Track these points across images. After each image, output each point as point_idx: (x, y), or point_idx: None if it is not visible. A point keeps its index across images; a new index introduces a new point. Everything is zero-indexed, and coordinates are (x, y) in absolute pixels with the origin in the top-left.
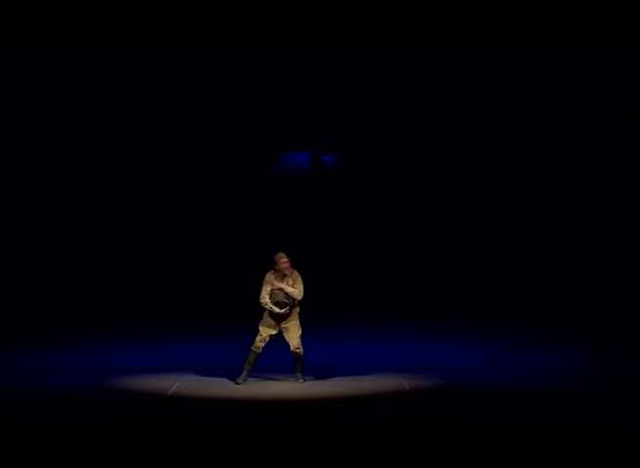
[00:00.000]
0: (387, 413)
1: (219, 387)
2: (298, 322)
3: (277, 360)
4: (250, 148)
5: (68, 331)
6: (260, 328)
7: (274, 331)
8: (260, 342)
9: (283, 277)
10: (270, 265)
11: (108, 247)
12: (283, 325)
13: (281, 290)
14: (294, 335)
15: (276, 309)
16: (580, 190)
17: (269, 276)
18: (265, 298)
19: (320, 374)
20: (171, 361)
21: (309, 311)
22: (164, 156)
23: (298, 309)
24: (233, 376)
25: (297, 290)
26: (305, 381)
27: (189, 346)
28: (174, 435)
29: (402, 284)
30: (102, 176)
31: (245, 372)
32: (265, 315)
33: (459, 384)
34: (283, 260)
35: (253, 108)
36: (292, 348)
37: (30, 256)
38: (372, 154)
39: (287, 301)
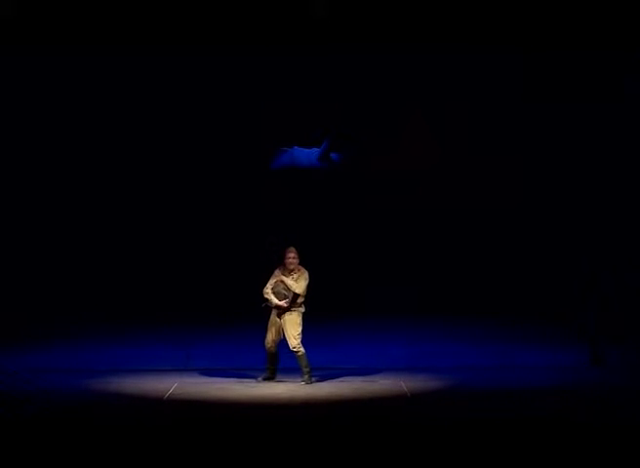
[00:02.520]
0: (386, 415)
1: (217, 389)
2: (297, 320)
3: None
4: (252, 144)
5: (65, 331)
6: (268, 327)
7: (279, 329)
8: (269, 342)
9: (290, 272)
10: (281, 260)
11: (105, 247)
12: (282, 319)
13: (283, 282)
14: (290, 334)
15: (274, 300)
16: (580, 191)
17: (277, 270)
18: (268, 289)
19: (318, 376)
20: (168, 363)
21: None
22: (165, 153)
23: (302, 309)
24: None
25: (296, 283)
26: (307, 383)
27: (187, 348)
28: (172, 437)
29: (401, 284)
30: (101, 176)
31: (267, 372)
32: (272, 312)
33: (457, 385)
34: (288, 255)
35: (254, 106)
36: (290, 348)
37: (25, 255)
38: (373, 153)
39: (285, 293)
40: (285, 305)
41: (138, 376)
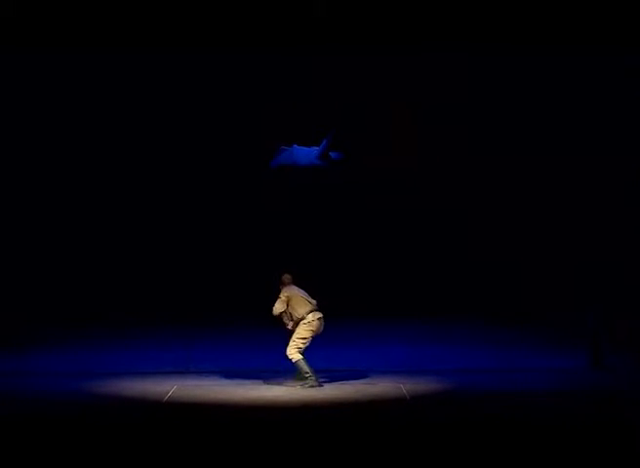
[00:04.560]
0: (385, 417)
1: (216, 391)
2: (299, 331)
3: (279, 363)
4: (252, 143)
5: (65, 334)
6: None
7: None
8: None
9: None
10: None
11: (104, 250)
12: None
13: None
14: (290, 342)
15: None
16: (579, 193)
17: None
18: None
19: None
20: (168, 365)
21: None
22: (164, 154)
23: (305, 320)
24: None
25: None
26: (302, 387)
27: (187, 351)
28: (171, 439)
29: (401, 287)
30: (100, 177)
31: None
32: None
33: (457, 387)
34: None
35: (254, 105)
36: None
37: (24, 259)
38: (371, 152)
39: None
40: (289, 328)
41: (137, 379)
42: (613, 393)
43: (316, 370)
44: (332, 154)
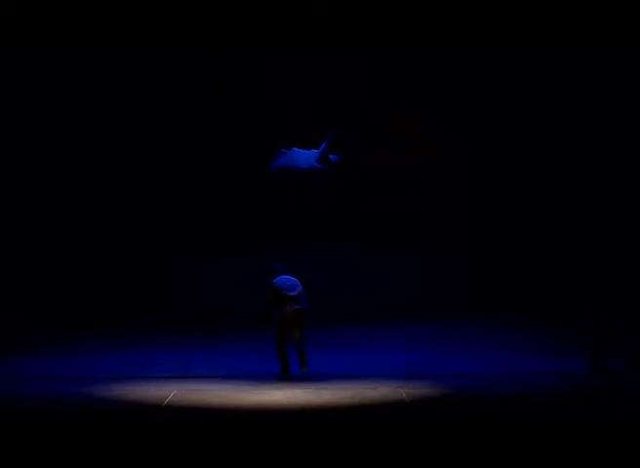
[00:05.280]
0: (383, 420)
1: (216, 396)
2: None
3: (279, 367)
4: (251, 145)
5: (64, 339)
6: None
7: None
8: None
9: None
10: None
11: (104, 253)
12: None
13: None
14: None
15: None
16: (582, 193)
17: None
18: None
19: (317, 382)
20: (167, 370)
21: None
22: (162, 154)
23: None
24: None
25: None
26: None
27: (187, 355)
28: (170, 442)
29: (400, 289)
30: (99, 175)
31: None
32: None
33: (456, 391)
34: None
35: (254, 105)
36: None
37: (23, 263)
38: (370, 153)
39: None
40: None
41: (137, 383)
42: (613, 395)
43: (315, 374)
44: (331, 157)
